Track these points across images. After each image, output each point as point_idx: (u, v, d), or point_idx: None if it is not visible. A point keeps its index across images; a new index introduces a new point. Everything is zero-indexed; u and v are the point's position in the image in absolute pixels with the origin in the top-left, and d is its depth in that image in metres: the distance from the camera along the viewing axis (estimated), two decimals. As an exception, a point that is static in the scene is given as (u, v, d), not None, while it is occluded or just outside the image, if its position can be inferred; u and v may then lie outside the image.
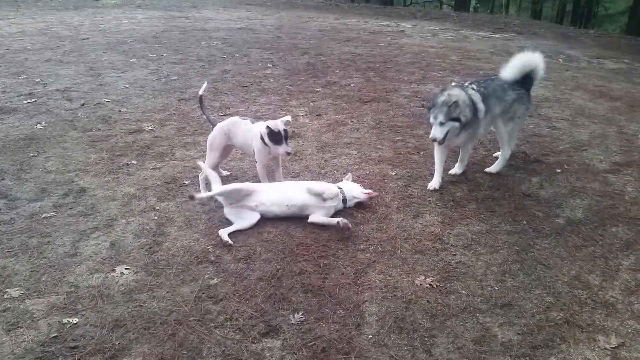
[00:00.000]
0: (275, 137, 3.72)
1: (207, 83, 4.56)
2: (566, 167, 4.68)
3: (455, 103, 3.87)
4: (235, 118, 4.08)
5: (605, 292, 3.01)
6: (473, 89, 4.13)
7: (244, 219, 3.57)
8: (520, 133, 4.73)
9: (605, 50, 11.97)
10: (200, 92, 4.24)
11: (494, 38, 12.67)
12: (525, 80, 4.33)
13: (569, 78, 8.30)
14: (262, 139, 3.78)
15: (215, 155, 4.02)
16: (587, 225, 3.74)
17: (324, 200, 3.65)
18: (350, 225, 3.52)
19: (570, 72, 8.79)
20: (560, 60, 10.07)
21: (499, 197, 4.07)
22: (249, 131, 3.91)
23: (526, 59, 4.30)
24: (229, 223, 3.56)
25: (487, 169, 4.50)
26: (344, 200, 3.79)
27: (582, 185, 4.35)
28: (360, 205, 3.86)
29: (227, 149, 4.14)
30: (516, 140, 4.51)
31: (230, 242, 3.34)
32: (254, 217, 3.60)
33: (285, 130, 3.74)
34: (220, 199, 3.70)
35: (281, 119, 3.81)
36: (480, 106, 4.06)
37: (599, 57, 10.79)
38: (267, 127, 3.72)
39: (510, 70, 4.29)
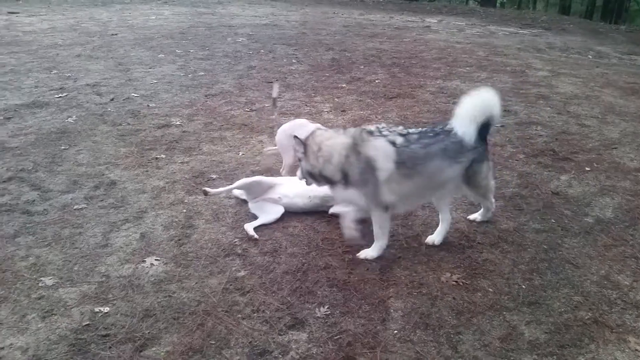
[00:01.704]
0: None
1: (278, 83, 4.68)
2: (596, 165, 4.60)
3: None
4: (303, 120, 4.04)
5: (636, 292, 2.96)
6: (389, 140, 2.99)
7: (269, 213, 3.60)
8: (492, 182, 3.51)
9: (637, 46, 11.69)
10: (274, 95, 4.44)
11: (521, 34, 12.48)
12: (482, 128, 3.06)
13: (599, 75, 8.14)
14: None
15: (290, 154, 3.87)
16: (617, 224, 3.67)
17: None
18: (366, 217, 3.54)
19: (600, 69, 8.62)
20: (590, 56, 9.88)
21: (527, 195, 4.03)
22: None
23: (480, 102, 3.03)
24: (255, 217, 3.60)
25: (471, 217, 3.67)
26: None
27: (612, 184, 4.27)
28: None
29: None
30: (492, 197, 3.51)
31: (256, 236, 3.38)
32: (279, 211, 3.63)
33: None
34: (238, 193, 3.74)
35: (316, 125, 3.72)
36: (384, 165, 2.94)
37: (630, 53, 10.55)
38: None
39: (463, 121, 3.02)
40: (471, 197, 3.51)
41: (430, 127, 3.16)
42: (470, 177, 3.17)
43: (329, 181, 3.12)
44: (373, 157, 2.93)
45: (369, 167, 2.93)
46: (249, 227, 3.43)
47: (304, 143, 3.11)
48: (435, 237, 3.37)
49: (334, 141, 3.05)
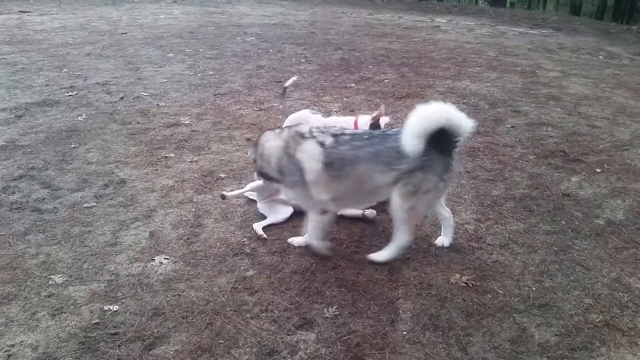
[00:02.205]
0: (376, 128, 3.57)
1: (296, 77, 4.75)
2: (606, 166, 4.56)
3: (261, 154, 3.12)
4: (305, 111, 4.08)
5: (647, 295, 2.93)
6: (318, 141, 2.92)
7: (277, 213, 3.60)
8: (426, 214, 3.43)
9: (649, 47, 11.58)
10: (286, 84, 4.44)
11: (532, 34, 12.41)
12: (442, 139, 2.81)
13: (610, 75, 8.07)
14: None
15: None
16: (629, 226, 3.64)
17: None
18: (374, 214, 3.56)
19: (611, 70, 8.55)
20: (601, 57, 9.80)
21: (537, 197, 4.00)
22: (329, 124, 3.85)
23: (428, 115, 2.77)
24: (264, 217, 3.60)
25: (370, 256, 3.18)
26: None
27: (623, 185, 4.23)
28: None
29: None
30: (418, 223, 3.26)
31: (265, 235, 3.38)
32: (287, 211, 3.62)
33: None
34: (251, 194, 3.74)
35: (379, 112, 3.66)
36: (311, 166, 2.89)
37: (642, 54, 10.46)
38: (375, 122, 3.57)
39: (408, 135, 2.76)
40: (396, 210, 3.03)
41: (371, 130, 3.07)
42: (404, 185, 2.91)
43: (275, 180, 3.14)
44: (301, 158, 2.91)
45: (298, 168, 2.91)
46: (258, 227, 3.43)
47: (254, 143, 3.14)
48: (443, 239, 3.33)
49: (271, 143, 3.05)
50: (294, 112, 4.14)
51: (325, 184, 2.91)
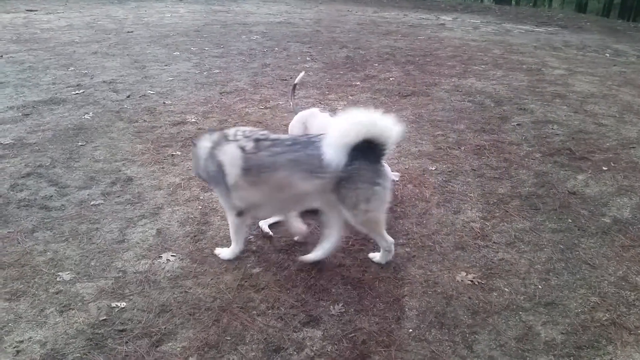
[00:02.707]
0: None
1: (304, 73, 4.73)
2: (613, 164, 4.55)
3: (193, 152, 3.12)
4: (314, 109, 4.09)
5: (654, 294, 2.93)
6: (239, 145, 2.85)
7: None
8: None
9: (656, 44, 11.51)
10: (296, 81, 4.47)
11: (537, 32, 12.36)
12: (368, 148, 2.68)
13: (616, 73, 8.03)
14: None
15: None
16: (635, 225, 3.62)
17: None
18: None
19: (617, 67, 8.50)
20: (607, 54, 9.75)
21: (543, 195, 3.99)
22: (327, 124, 3.87)
23: (350, 127, 2.61)
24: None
25: (371, 256, 3.20)
26: None
27: (630, 183, 4.21)
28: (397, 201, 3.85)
29: None
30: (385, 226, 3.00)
31: (271, 233, 3.39)
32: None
33: None
34: None
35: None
36: (231, 170, 2.84)
37: (649, 51, 10.40)
38: None
39: (329, 144, 2.62)
40: (353, 224, 2.92)
41: (296, 135, 2.96)
42: (344, 199, 2.80)
43: (205, 181, 3.14)
44: (222, 161, 2.87)
45: (220, 171, 2.89)
46: (264, 224, 3.44)
47: (194, 144, 3.14)
48: (314, 254, 3.12)
49: (201, 144, 3.03)
50: (302, 110, 4.15)
51: (244, 189, 2.86)
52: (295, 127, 3.99)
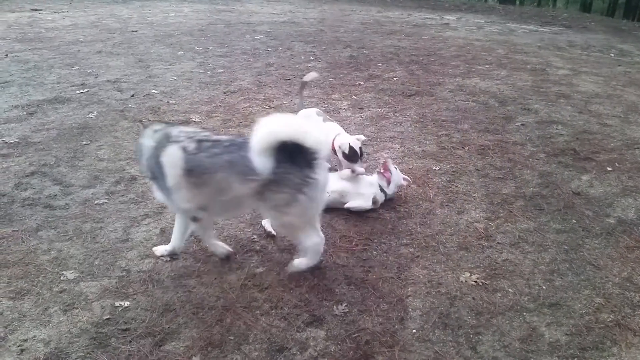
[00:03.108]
0: (352, 155, 3.63)
1: (316, 73, 4.82)
2: (617, 165, 4.53)
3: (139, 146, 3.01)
4: (311, 110, 4.10)
5: (659, 295, 2.91)
6: (182, 146, 2.78)
7: None
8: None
9: (661, 44, 11.47)
10: (306, 79, 4.52)
11: (542, 32, 12.33)
12: (295, 152, 2.62)
13: (621, 73, 8.01)
14: (333, 150, 3.75)
15: None
16: (640, 226, 3.62)
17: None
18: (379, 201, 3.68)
19: (622, 67, 8.47)
20: (612, 54, 9.72)
21: (548, 195, 3.98)
22: (322, 126, 3.89)
23: (269, 131, 2.58)
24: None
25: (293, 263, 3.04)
26: (385, 193, 3.77)
27: (635, 184, 4.19)
28: (403, 200, 3.84)
29: None
30: (312, 238, 2.90)
31: (274, 232, 3.39)
32: None
33: (361, 149, 3.67)
34: None
35: (357, 137, 3.72)
36: (169, 171, 2.78)
37: (654, 51, 10.36)
38: (349, 144, 3.61)
39: (254, 149, 2.60)
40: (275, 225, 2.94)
41: (235, 136, 2.88)
42: (267, 199, 2.76)
43: (148, 177, 3.08)
44: (163, 162, 2.80)
45: (162, 171, 2.83)
46: (267, 223, 3.44)
47: (141, 128, 3.08)
48: (300, 261, 3.02)
49: (144, 140, 2.95)
50: (306, 108, 4.16)
51: (186, 191, 2.81)
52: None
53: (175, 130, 2.87)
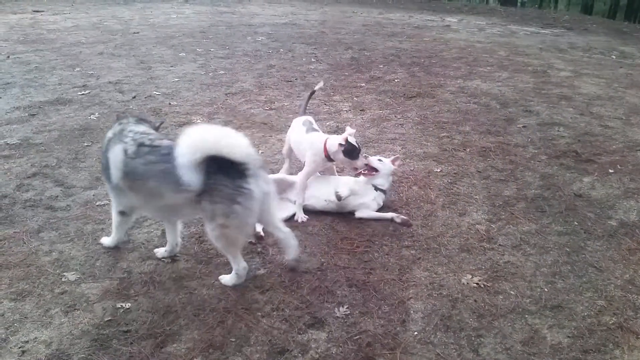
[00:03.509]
0: (352, 150, 3.55)
1: (321, 82, 4.62)
2: (619, 167, 4.52)
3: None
4: (303, 117, 3.99)
5: (661, 298, 2.90)
6: (124, 147, 2.78)
7: (280, 210, 3.58)
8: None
9: (662, 46, 11.45)
10: (316, 88, 4.40)
11: (543, 34, 12.32)
12: (225, 164, 2.55)
13: (623, 75, 8.00)
14: (327, 155, 3.60)
15: (285, 147, 4.10)
16: (642, 228, 3.61)
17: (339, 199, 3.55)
18: (409, 220, 3.56)
19: (624, 69, 8.47)
20: (613, 56, 9.71)
21: (549, 197, 3.98)
22: (302, 140, 3.78)
23: (194, 144, 2.51)
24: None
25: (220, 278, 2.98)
26: (383, 191, 3.75)
27: (637, 186, 4.19)
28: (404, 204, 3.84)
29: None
30: (238, 254, 2.86)
31: (262, 233, 3.37)
32: (290, 210, 3.64)
33: (357, 142, 3.59)
34: None
35: (348, 132, 3.57)
36: (114, 171, 2.81)
37: (656, 53, 10.34)
38: (345, 143, 3.50)
39: (179, 157, 2.53)
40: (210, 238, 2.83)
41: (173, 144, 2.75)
42: (203, 210, 2.70)
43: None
44: (109, 158, 2.83)
45: (108, 165, 2.85)
46: (258, 225, 3.44)
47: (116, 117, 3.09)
48: (289, 258, 3.04)
49: (108, 132, 2.96)
50: (303, 116, 4.07)
51: (123, 192, 2.85)
52: (289, 131, 4.05)
53: (129, 128, 2.85)
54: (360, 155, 3.61)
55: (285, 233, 2.97)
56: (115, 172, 2.80)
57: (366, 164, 3.67)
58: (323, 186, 3.70)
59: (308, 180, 3.70)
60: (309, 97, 4.43)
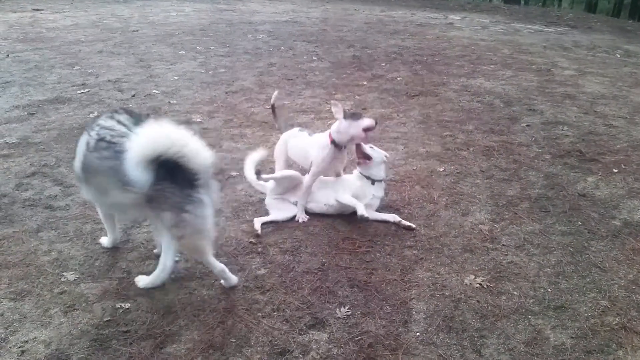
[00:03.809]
0: (354, 114, 3.44)
1: (276, 92, 4.37)
2: (624, 167, 4.49)
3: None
4: (295, 130, 3.90)
5: (666, 298, 2.87)
6: (87, 140, 2.69)
7: (280, 211, 3.60)
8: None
9: (666, 44, 11.41)
10: (272, 101, 4.21)
11: (547, 32, 12.28)
12: (175, 169, 2.43)
13: (627, 74, 7.96)
14: (332, 140, 3.49)
15: (279, 166, 3.87)
16: (647, 228, 3.57)
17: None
18: (412, 226, 3.49)
19: (628, 68, 8.42)
20: (618, 55, 9.66)
21: (553, 197, 3.94)
22: (309, 144, 3.68)
23: (145, 144, 2.38)
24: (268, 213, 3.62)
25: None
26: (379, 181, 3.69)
27: (641, 186, 4.16)
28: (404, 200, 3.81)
29: (288, 161, 3.91)
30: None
31: (259, 232, 3.35)
32: (291, 211, 3.61)
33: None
34: (261, 185, 3.74)
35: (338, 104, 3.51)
36: (76, 163, 2.78)
37: (660, 52, 10.30)
38: (334, 104, 3.46)
39: (129, 156, 2.39)
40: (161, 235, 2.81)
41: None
42: (160, 219, 2.62)
43: None
44: (78, 146, 2.79)
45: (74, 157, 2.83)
46: (258, 222, 3.44)
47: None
48: (146, 278, 2.89)
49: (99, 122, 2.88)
50: (288, 130, 3.96)
51: (85, 185, 2.78)
52: (278, 148, 3.88)
53: (98, 122, 2.73)
54: (362, 116, 3.46)
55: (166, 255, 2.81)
56: (77, 163, 2.77)
57: (358, 149, 3.56)
58: (322, 190, 3.67)
59: (297, 189, 3.68)
60: (274, 112, 4.23)
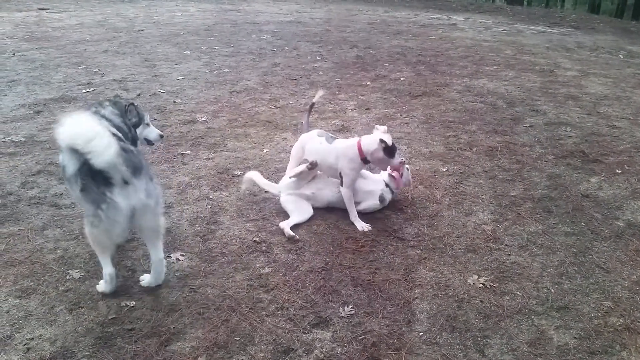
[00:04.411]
0: (392, 150, 3.43)
1: (320, 91, 4.39)
2: (627, 167, 4.49)
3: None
4: (314, 132, 3.82)
5: (669, 299, 2.88)
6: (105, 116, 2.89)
7: (302, 211, 3.57)
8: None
9: (670, 46, 11.38)
10: (314, 99, 4.20)
11: (550, 33, 12.26)
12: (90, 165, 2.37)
13: (630, 75, 7.95)
14: (363, 158, 3.48)
15: (292, 164, 3.81)
16: (650, 229, 3.57)
17: None
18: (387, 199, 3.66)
19: (631, 69, 8.41)
20: (621, 56, 9.64)
21: (556, 197, 3.95)
22: (327, 151, 3.60)
23: (63, 131, 2.32)
24: (279, 213, 3.62)
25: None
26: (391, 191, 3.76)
27: (645, 187, 4.16)
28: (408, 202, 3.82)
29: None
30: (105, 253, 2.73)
31: (297, 236, 3.33)
32: (309, 211, 3.61)
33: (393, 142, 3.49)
34: (271, 186, 3.75)
35: (382, 131, 3.47)
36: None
37: (663, 53, 10.28)
38: (381, 141, 3.40)
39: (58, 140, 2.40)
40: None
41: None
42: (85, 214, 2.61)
43: None
44: None
45: None
46: (286, 226, 3.40)
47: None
48: (149, 278, 2.89)
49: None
50: (309, 131, 3.91)
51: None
52: (295, 149, 3.83)
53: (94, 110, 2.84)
54: (396, 153, 3.51)
55: (157, 258, 2.81)
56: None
57: (401, 162, 3.58)
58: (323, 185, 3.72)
59: (312, 181, 3.70)
60: (310, 111, 4.26)
